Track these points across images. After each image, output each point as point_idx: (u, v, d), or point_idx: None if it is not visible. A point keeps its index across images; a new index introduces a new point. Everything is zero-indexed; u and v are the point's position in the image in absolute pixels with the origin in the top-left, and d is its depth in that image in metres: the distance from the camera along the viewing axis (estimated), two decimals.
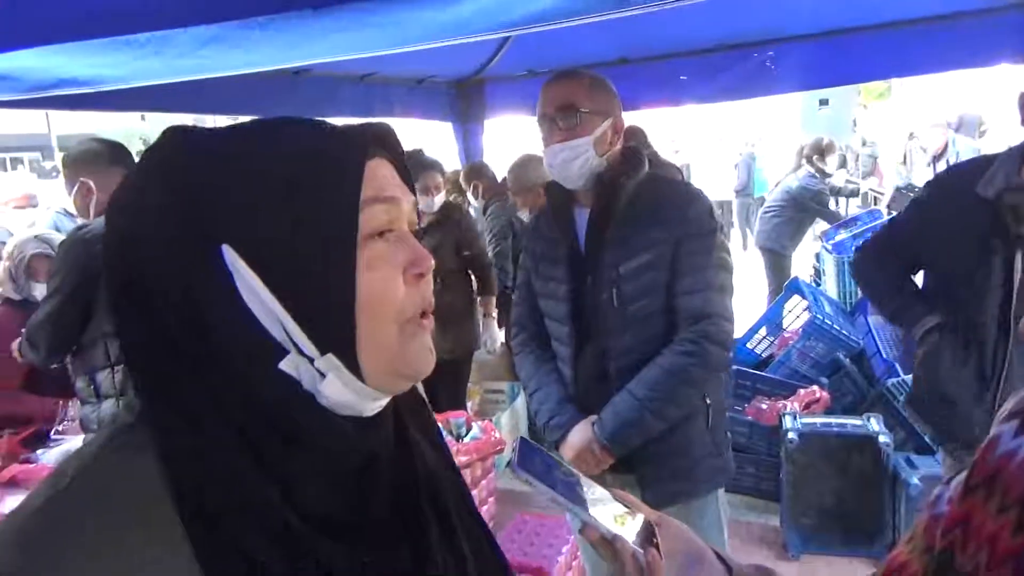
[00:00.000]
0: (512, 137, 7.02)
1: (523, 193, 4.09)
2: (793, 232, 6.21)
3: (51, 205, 6.61)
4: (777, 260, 6.21)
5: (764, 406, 3.37)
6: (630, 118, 5.08)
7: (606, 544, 0.74)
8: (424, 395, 0.83)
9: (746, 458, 3.32)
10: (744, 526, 3.23)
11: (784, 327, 4.15)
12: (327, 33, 1.69)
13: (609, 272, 1.76)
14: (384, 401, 0.65)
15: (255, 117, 0.65)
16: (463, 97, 4.98)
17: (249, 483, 0.56)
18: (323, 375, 0.58)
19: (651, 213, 1.77)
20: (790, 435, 2.83)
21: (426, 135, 5.94)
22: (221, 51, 1.75)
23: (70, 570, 0.49)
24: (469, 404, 3.99)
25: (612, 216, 1.78)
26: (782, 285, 4.77)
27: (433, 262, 0.64)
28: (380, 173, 0.63)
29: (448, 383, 3.86)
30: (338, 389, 0.59)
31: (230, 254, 0.56)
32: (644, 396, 1.73)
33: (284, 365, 0.58)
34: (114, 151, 2.54)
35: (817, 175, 6.10)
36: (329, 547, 0.57)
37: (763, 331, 4.19)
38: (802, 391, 3.40)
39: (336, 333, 0.58)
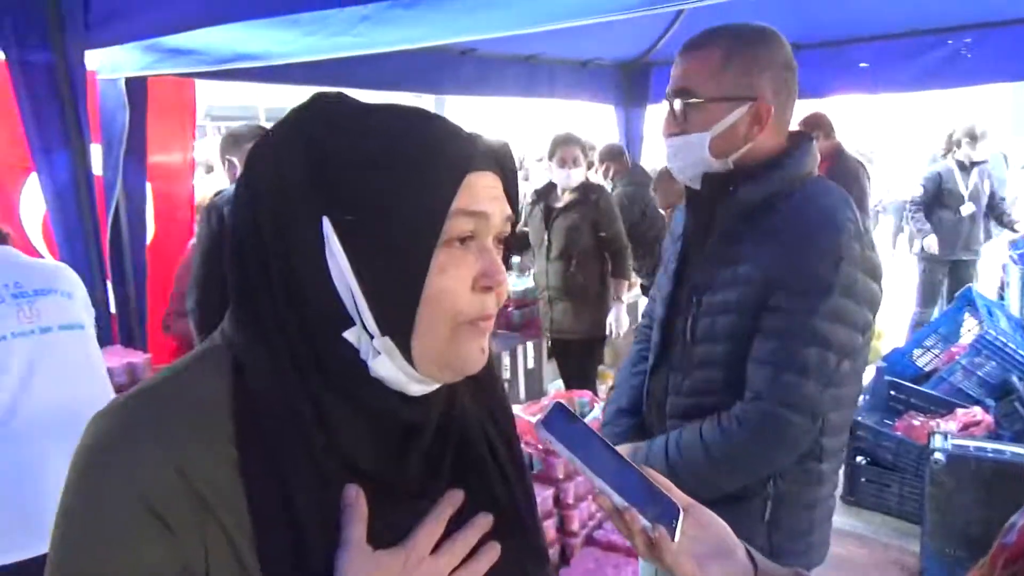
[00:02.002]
0: None
1: (664, 190, 4.02)
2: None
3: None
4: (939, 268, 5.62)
5: (917, 423, 3.12)
6: (811, 106, 4.86)
7: (618, 515, 0.75)
8: (494, 374, 0.85)
9: (892, 476, 3.09)
10: (881, 548, 3.02)
11: (956, 340, 3.79)
12: (470, 11, 1.77)
13: (689, 298, 1.43)
14: (434, 386, 0.70)
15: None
16: (627, 80, 4.95)
17: (298, 418, 0.63)
18: (378, 353, 0.64)
19: (758, 241, 1.34)
20: (936, 455, 2.61)
21: (588, 118, 5.95)
22: (372, 29, 1.88)
23: (135, 444, 0.60)
24: (602, 387, 4.00)
25: (712, 232, 1.41)
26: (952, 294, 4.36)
27: (504, 278, 0.67)
28: (480, 185, 0.66)
29: (577, 363, 3.88)
30: (388, 369, 0.65)
31: (327, 226, 0.62)
32: (673, 459, 1.42)
33: (348, 334, 0.64)
34: (255, 133, 2.81)
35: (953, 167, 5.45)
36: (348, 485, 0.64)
37: (930, 342, 3.85)
38: (962, 411, 3.10)
39: (397, 321, 0.63)
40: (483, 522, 0.69)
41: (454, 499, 0.69)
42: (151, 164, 3.13)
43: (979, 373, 3.36)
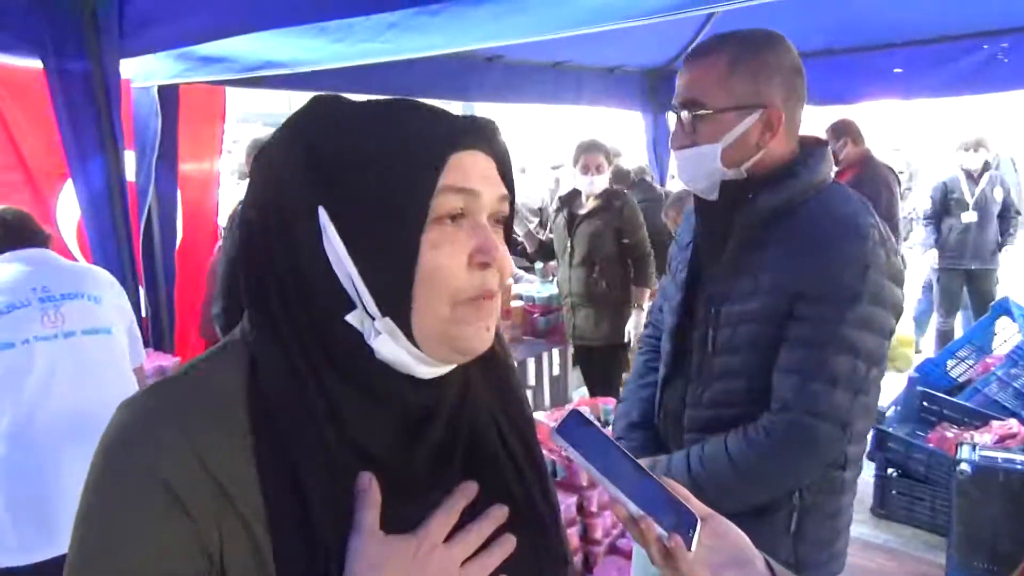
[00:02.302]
0: None
1: (674, 218, 4.02)
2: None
3: None
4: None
5: (950, 435, 3.05)
6: (839, 112, 4.80)
7: (633, 523, 0.74)
8: (500, 342, 0.84)
9: (923, 489, 3.03)
10: (912, 562, 2.96)
11: (990, 351, 3.71)
12: (495, 18, 1.77)
13: (709, 310, 1.40)
14: (442, 369, 0.70)
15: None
16: (654, 87, 4.93)
17: (310, 411, 0.65)
18: (379, 332, 0.65)
19: (780, 249, 1.32)
20: (963, 466, 2.53)
21: (616, 125, 5.94)
22: (399, 36, 1.90)
23: (157, 430, 0.63)
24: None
25: (725, 241, 1.37)
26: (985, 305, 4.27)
27: (501, 254, 0.68)
28: (468, 163, 0.67)
29: (600, 369, 3.86)
30: (391, 348, 0.66)
31: (323, 216, 0.65)
32: (697, 473, 1.39)
33: (350, 317, 0.66)
34: None
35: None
36: (360, 472, 0.65)
37: (964, 352, 3.77)
38: (997, 423, 3.03)
39: (394, 299, 0.65)
40: (498, 514, 0.69)
41: (468, 491, 0.69)
42: (181, 171, 3.18)
43: (1015, 384, 3.28)
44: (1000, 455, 2.57)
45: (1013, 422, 3.00)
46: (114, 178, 2.66)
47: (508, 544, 0.68)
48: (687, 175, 1.41)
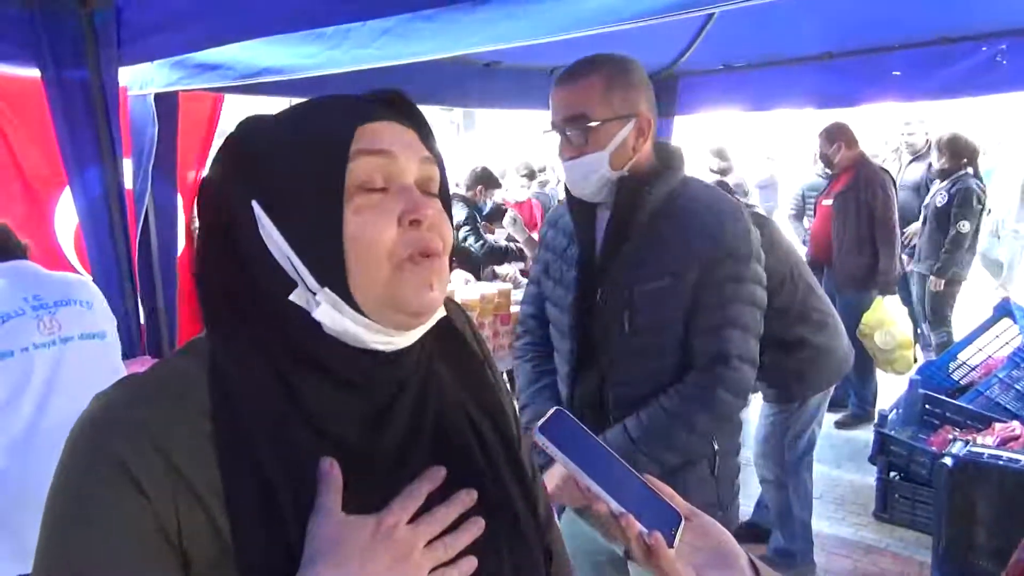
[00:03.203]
0: (703, 134, 6.81)
1: None
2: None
3: None
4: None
5: (952, 437, 3.04)
6: (833, 116, 4.79)
7: (614, 520, 0.74)
8: (476, 338, 0.89)
9: (927, 493, 3.02)
10: (916, 566, 2.95)
11: (990, 353, 3.70)
12: (490, 23, 1.77)
13: (622, 293, 1.55)
14: (400, 339, 0.72)
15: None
16: (654, 91, 4.92)
17: (267, 391, 0.68)
18: (319, 303, 0.68)
19: (676, 230, 1.54)
20: (946, 459, 2.49)
21: None
22: (394, 42, 1.89)
23: (114, 417, 0.66)
24: None
25: (632, 229, 1.56)
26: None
27: (433, 212, 0.71)
28: (379, 132, 0.71)
29: None
30: (336, 320, 0.68)
31: (257, 207, 0.70)
32: (639, 437, 1.53)
33: (294, 296, 0.69)
34: None
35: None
36: (323, 456, 0.66)
37: (965, 355, 3.76)
38: (999, 425, 3.02)
39: (328, 268, 0.68)
40: (466, 498, 0.70)
41: (434, 475, 0.70)
42: (182, 178, 3.18)
43: (1017, 387, 3.27)
44: (987, 451, 2.52)
45: (1015, 424, 2.99)
46: (112, 186, 2.65)
47: (475, 527, 0.69)
48: (576, 182, 1.61)
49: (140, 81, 2.74)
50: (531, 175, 6.33)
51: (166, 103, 2.81)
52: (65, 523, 0.64)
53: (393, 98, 0.75)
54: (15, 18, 2.37)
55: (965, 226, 4.79)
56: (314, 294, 0.68)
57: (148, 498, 0.62)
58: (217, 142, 4.00)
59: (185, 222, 3.39)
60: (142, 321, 2.92)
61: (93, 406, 0.69)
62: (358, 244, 0.67)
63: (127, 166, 2.81)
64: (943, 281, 4.92)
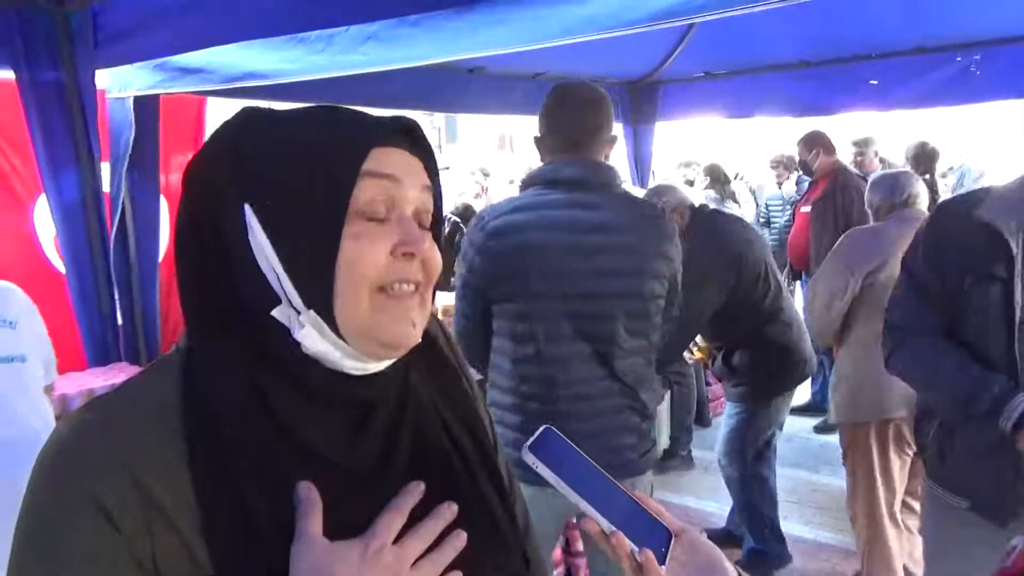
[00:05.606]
0: (683, 141, 6.83)
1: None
2: None
3: None
4: None
5: None
6: (812, 124, 4.84)
7: (604, 539, 0.74)
8: (449, 345, 0.86)
9: None
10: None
11: None
12: (474, 29, 1.77)
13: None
14: (372, 366, 0.69)
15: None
16: (636, 98, 4.95)
17: (244, 408, 0.65)
18: (303, 325, 0.65)
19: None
20: None
21: None
22: (378, 47, 1.89)
23: (86, 444, 0.63)
24: None
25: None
26: None
27: (427, 247, 0.69)
28: (389, 158, 0.68)
29: None
30: (317, 343, 0.66)
31: (249, 213, 0.66)
32: None
33: (276, 312, 0.66)
34: None
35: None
36: (302, 474, 0.64)
37: None
38: None
39: (316, 291, 0.65)
40: (447, 512, 0.68)
41: (415, 491, 0.68)
42: (166, 181, 3.13)
43: None
44: None
45: None
46: (88, 189, 2.62)
47: (458, 540, 0.68)
48: None
49: (120, 84, 2.71)
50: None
51: (147, 106, 2.77)
52: (34, 553, 0.62)
53: (411, 126, 0.72)
54: None
55: None
56: (298, 313, 0.66)
57: (120, 531, 0.60)
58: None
59: (171, 225, 3.34)
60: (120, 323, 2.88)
61: (62, 430, 0.65)
62: (348, 270, 0.65)
63: (105, 170, 2.77)
64: None
